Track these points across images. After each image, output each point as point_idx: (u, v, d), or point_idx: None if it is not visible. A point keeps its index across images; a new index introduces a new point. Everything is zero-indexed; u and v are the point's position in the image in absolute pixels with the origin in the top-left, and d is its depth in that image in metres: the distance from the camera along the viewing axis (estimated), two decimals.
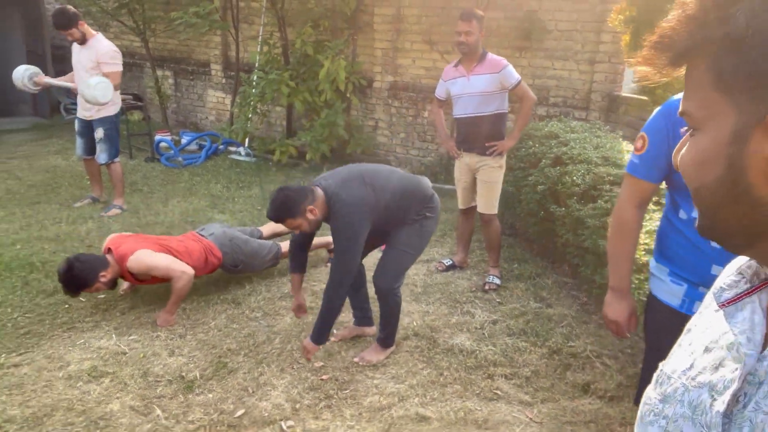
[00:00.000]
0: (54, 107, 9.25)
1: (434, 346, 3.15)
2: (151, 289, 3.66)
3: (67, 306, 3.45)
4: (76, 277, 3.17)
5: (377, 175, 2.86)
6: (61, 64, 7.96)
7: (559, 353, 3.07)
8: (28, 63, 5.36)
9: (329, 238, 3.47)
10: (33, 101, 9.11)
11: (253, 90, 6.79)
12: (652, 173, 1.71)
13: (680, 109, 0.59)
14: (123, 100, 5.49)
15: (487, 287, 3.81)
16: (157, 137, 7.15)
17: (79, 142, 5.15)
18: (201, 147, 7.38)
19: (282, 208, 2.66)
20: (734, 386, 0.55)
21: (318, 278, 3.94)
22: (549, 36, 5.71)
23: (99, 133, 4.95)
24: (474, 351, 3.09)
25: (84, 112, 4.98)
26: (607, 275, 3.38)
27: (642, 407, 0.67)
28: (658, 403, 0.65)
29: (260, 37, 7.24)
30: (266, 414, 2.56)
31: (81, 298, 3.47)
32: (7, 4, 8.96)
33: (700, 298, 1.43)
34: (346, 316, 3.33)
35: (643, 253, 2.78)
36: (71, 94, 6.08)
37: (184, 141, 7.41)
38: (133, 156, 7.05)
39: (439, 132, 4.10)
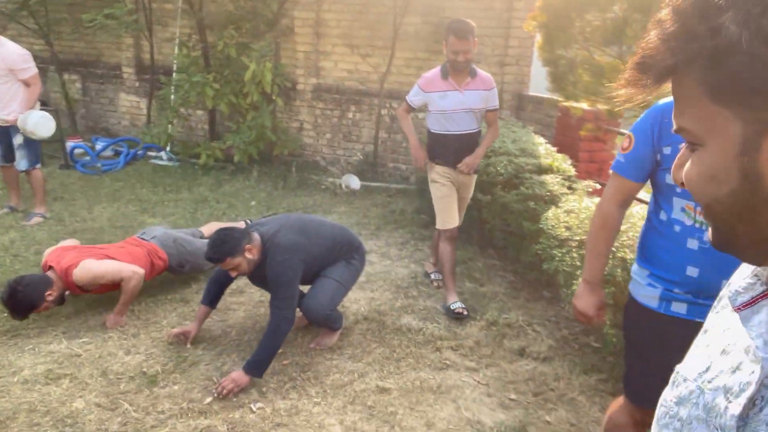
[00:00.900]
0: None
1: (383, 327, 3.39)
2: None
3: (5, 314, 3.34)
4: (22, 302, 3.09)
5: (309, 225, 3.15)
6: None
7: (496, 324, 3.41)
8: None
9: None
10: None
11: (173, 93, 6.71)
12: (636, 173, 1.74)
13: (674, 127, 0.58)
14: None
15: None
16: (71, 143, 6.87)
17: None
18: (117, 153, 7.16)
19: (223, 247, 2.82)
20: (751, 389, 0.53)
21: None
22: None
23: (18, 139, 4.76)
24: (421, 329, 3.36)
25: None
26: (532, 253, 3.77)
27: (658, 409, 0.67)
28: (673, 405, 0.64)
29: (177, 40, 7.15)
30: (235, 399, 2.68)
31: None
32: None
33: (677, 298, 1.67)
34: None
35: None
36: None
37: (99, 147, 7.15)
38: (45, 164, 6.71)
39: (410, 140, 3.72)
